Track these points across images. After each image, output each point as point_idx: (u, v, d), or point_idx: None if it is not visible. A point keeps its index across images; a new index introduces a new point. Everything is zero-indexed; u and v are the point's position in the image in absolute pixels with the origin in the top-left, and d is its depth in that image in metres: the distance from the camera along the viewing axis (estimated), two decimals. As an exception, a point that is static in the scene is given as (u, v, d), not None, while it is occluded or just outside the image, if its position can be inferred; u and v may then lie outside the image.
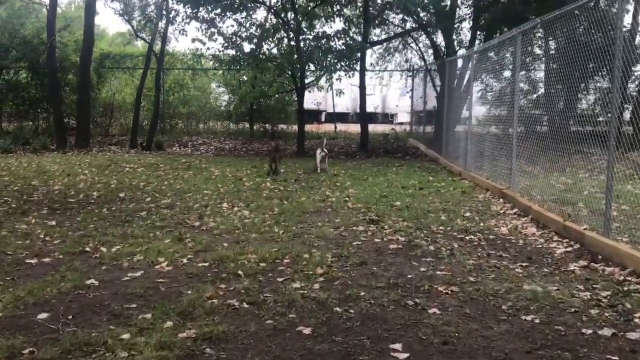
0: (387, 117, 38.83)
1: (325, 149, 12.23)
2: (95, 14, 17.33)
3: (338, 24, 17.28)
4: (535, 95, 11.86)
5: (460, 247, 5.90)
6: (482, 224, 6.96)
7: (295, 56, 15.15)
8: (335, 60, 13.98)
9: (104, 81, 21.62)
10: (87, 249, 5.61)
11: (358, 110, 39.01)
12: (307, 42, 14.76)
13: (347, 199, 8.52)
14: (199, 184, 10.04)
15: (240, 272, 4.80)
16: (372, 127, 21.54)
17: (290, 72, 16.36)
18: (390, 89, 37.23)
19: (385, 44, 19.72)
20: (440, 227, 6.75)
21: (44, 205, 8.24)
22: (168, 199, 8.66)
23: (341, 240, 6.05)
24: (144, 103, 20.87)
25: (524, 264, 5.25)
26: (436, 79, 17.70)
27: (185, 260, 5.19)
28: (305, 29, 15.11)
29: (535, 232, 6.60)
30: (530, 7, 15.39)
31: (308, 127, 21.02)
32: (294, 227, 6.63)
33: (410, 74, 20.88)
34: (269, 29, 15.27)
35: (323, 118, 34.24)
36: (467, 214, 7.50)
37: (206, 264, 5.06)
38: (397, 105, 34.11)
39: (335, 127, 22.35)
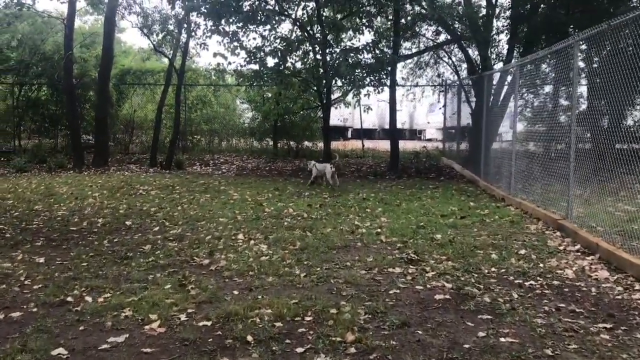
0: (414, 134, 37.77)
1: (334, 165, 12.50)
2: (114, 28, 16.76)
3: (366, 37, 16.22)
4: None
5: (521, 297, 4.82)
6: (541, 265, 5.85)
7: (321, 71, 14.27)
8: (364, 74, 12.96)
9: (124, 98, 21.02)
10: (70, 298, 4.68)
11: (385, 127, 38.20)
12: (334, 55, 13.83)
13: (379, 230, 7.47)
14: (214, 210, 9.11)
15: (249, 337, 3.80)
16: (400, 144, 20.48)
17: (315, 88, 15.47)
18: (418, 105, 36.28)
19: (416, 58, 18.68)
20: (493, 269, 5.66)
21: (41, 235, 7.40)
22: (178, 228, 7.74)
23: (375, 288, 5.01)
24: (166, 120, 20.18)
25: (607, 326, 4.14)
26: (470, 95, 16.65)
27: (183, 317, 4.21)
28: (331, 42, 14.19)
29: (609, 276, 5.46)
30: (573, 17, 14.25)
31: (334, 144, 20.09)
32: (318, 268, 5.61)
33: (443, 89, 19.73)
34: (293, 42, 14.40)
35: (349, 134, 33.35)
36: (522, 251, 6.38)
37: (208, 324, 4.06)
38: (428, 122, 33.03)
39: (363, 145, 21.28)
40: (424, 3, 13.30)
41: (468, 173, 14.12)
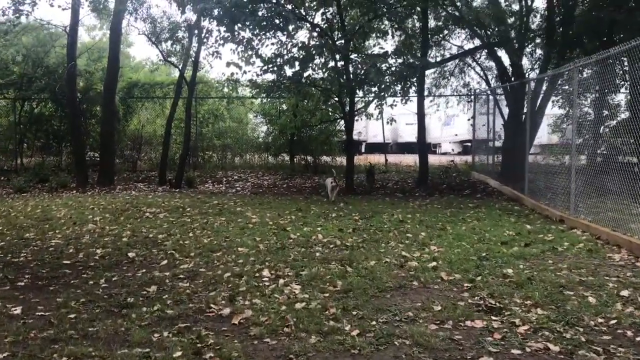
0: (429, 147, 36.50)
1: (336, 180, 12.22)
2: (120, 37, 15.67)
3: (389, 42, 14.97)
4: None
5: (659, 365, 3.50)
6: (659, 313, 4.51)
7: (344, 78, 13.06)
8: (394, 82, 11.62)
9: (132, 112, 19.91)
10: (43, 376, 3.41)
11: (399, 140, 36.91)
12: (358, 62, 12.59)
13: (434, 263, 6.15)
14: (232, 237, 7.84)
15: None
16: (413, 158, 19.27)
17: (337, 98, 14.25)
18: (433, 118, 35.02)
19: (440, 67, 17.43)
20: (599, 319, 4.34)
21: (27, 271, 6.17)
22: (190, 261, 6.48)
23: (458, 354, 3.70)
24: (176, 136, 19.04)
25: None
26: (502, 104, 15.38)
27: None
28: (355, 48, 12.92)
29: None
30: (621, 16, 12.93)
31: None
32: (374, 322, 4.31)
33: (470, 98, 18.37)
34: (311, 50, 13.15)
35: (363, 149, 32.06)
36: (624, 293, 5.04)
37: None
38: (456, 135, 31.98)
39: (386, 160, 19.89)
40: (458, 3, 12.05)
41: (508, 190, 12.77)
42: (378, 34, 13.47)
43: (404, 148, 34.86)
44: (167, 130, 16.12)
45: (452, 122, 35.55)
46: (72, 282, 5.72)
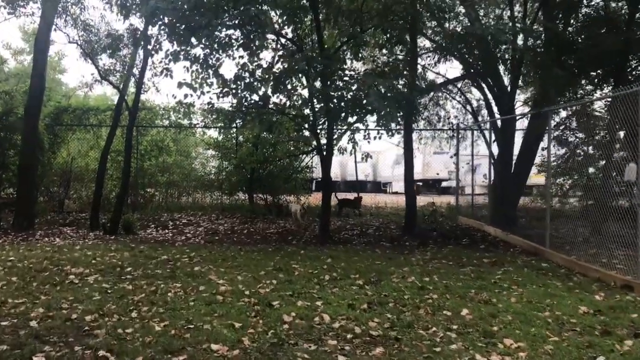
0: (378, 186, 34.89)
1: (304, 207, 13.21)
2: (47, 51, 12.91)
3: (370, 67, 12.88)
4: None
5: None
6: None
7: (317, 105, 10.92)
8: (397, 108, 9.36)
9: (60, 142, 16.87)
10: None
11: (347, 178, 34.86)
12: (342, 83, 10.40)
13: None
14: (196, 321, 5.31)
15: None
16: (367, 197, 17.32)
17: (310, 127, 12.04)
18: (385, 156, 33.43)
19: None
20: None
21: None
22: (137, 377, 3.93)
23: None
24: (112, 171, 16.19)
25: None
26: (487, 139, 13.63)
27: None
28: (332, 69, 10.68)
29: None
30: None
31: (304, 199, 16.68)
32: None
33: (453, 133, 16.38)
34: (292, 65, 10.89)
35: (313, 186, 29.82)
36: None
37: None
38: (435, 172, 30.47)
39: (359, 197, 17.27)
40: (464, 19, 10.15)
41: (519, 240, 10.77)
42: (363, 50, 11.35)
43: (352, 187, 33.23)
44: (102, 163, 13.34)
45: (403, 161, 34.13)
46: None
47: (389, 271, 7.92)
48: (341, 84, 10.68)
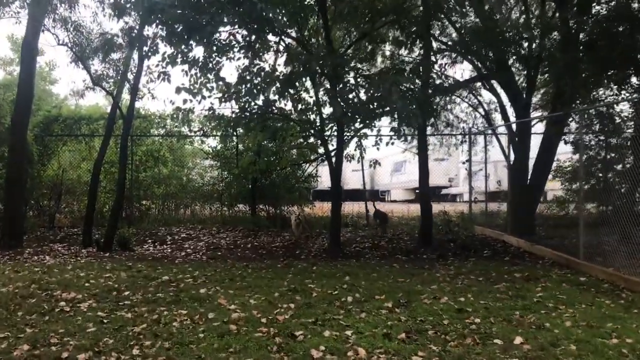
0: (376, 195, 34.17)
1: (299, 217, 12.59)
2: (36, 56, 12.05)
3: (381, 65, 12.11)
4: None
5: None
6: None
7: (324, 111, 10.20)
8: (417, 109, 8.53)
9: (50, 153, 15.98)
10: None
11: (344, 187, 33.99)
12: (356, 83, 9.61)
13: None
14: (208, 358, 4.50)
15: None
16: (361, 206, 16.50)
17: (316, 132, 11.31)
18: (383, 163, 32.72)
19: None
20: None
21: None
22: None
23: None
24: (105, 182, 15.33)
25: None
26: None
27: None
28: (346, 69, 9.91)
29: None
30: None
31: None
32: None
33: (465, 139, 15.54)
34: (292, 74, 10.15)
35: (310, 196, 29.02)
36: None
37: None
38: (408, 181, 29.60)
39: (368, 210, 16.35)
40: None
41: (546, 251, 10.02)
42: (380, 47, 10.57)
43: (348, 196, 32.51)
44: (95, 175, 12.48)
45: (402, 168, 33.54)
46: None
47: (415, 290, 7.14)
48: (354, 84, 9.89)
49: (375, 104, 8.79)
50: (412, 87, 8.83)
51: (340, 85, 9.30)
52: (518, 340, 4.96)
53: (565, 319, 5.68)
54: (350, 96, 9.47)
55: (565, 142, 12.45)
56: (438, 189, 32.69)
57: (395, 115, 8.83)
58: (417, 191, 36.88)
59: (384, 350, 4.70)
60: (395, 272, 8.66)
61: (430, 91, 10.33)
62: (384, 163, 35.37)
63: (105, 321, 5.73)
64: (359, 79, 9.44)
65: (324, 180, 22.19)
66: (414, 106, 8.18)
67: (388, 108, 8.50)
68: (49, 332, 5.32)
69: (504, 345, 4.85)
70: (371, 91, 8.88)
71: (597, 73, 11.58)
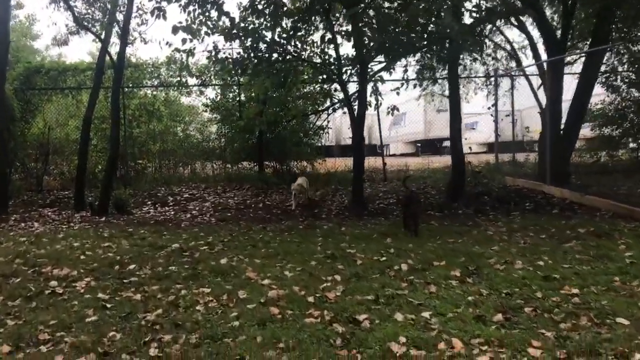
0: (374, 150, 32.98)
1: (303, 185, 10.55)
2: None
3: None
4: None
5: None
6: None
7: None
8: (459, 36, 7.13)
9: (34, 110, 14.50)
10: None
11: (341, 143, 32.62)
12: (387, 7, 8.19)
13: None
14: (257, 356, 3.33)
15: None
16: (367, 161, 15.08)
17: (335, 75, 9.98)
18: (381, 116, 31.43)
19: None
20: None
21: None
22: None
23: None
24: (96, 140, 13.96)
25: None
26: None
27: None
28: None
29: None
30: None
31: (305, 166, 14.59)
32: None
33: (490, 81, 14.11)
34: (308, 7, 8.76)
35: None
36: None
37: None
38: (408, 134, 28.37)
39: (385, 164, 14.98)
40: None
41: (601, 202, 8.88)
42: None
43: (347, 151, 31.27)
44: (85, 132, 11.11)
45: (402, 121, 32.29)
46: None
47: (475, 252, 5.98)
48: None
49: (412, 35, 7.38)
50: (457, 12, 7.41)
51: (369, 12, 7.86)
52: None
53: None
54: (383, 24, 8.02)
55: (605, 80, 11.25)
56: (441, 142, 31.55)
57: (435, 48, 7.42)
58: (418, 144, 35.62)
59: (483, 339, 3.54)
60: (437, 230, 7.51)
61: (477, 17, 8.92)
62: (382, 116, 33.95)
63: (108, 306, 4.53)
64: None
65: (331, 136, 20.97)
66: (460, 35, 6.79)
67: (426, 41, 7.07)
68: (37, 325, 4.12)
69: (636, 324, 3.71)
70: (407, 19, 7.44)
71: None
